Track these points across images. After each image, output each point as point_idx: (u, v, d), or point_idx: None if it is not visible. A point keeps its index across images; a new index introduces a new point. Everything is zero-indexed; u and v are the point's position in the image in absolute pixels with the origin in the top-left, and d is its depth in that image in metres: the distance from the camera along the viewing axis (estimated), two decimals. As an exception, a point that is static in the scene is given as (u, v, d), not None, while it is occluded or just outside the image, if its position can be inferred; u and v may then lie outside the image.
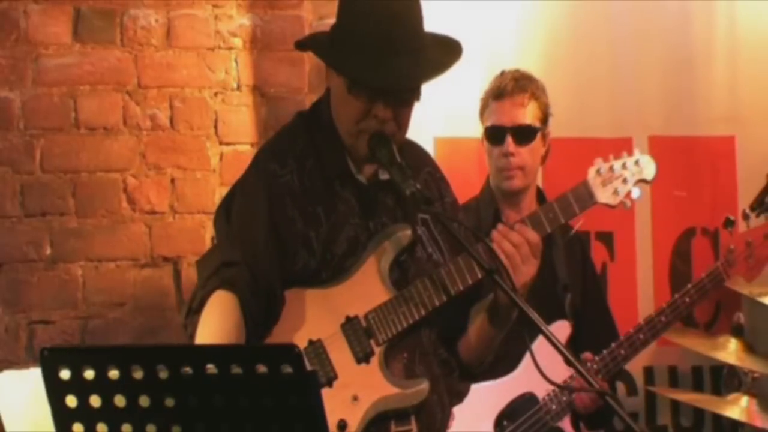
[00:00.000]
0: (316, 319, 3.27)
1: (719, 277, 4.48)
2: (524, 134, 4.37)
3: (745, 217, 4.53)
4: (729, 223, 4.50)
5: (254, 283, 3.23)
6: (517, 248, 3.21)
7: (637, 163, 3.41)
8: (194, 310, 3.25)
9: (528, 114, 4.38)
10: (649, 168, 3.43)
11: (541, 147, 4.42)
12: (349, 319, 3.26)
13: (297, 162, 3.31)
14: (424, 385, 3.26)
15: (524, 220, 3.31)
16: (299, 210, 3.28)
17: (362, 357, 3.25)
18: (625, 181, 3.39)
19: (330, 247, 3.27)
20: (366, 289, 3.27)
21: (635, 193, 3.41)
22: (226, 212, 3.35)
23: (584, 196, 3.37)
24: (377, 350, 3.25)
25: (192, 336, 3.25)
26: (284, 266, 3.26)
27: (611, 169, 3.39)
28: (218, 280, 3.22)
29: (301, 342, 3.23)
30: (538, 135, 4.40)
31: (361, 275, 3.28)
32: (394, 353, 3.28)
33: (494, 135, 4.38)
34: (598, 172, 3.38)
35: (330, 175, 3.31)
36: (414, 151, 3.47)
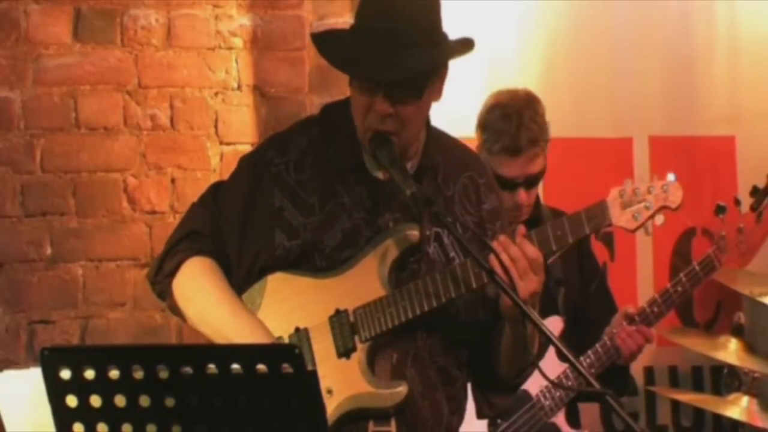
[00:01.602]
0: (308, 307, 3.27)
1: (711, 264, 4.45)
2: (534, 180, 4.32)
3: (737, 203, 4.50)
4: (720, 210, 4.48)
5: (221, 256, 3.35)
6: (514, 262, 3.15)
7: (664, 188, 3.30)
8: (168, 272, 3.34)
9: (539, 162, 4.30)
10: (674, 196, 3.29)
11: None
12: (338, 312, 3.26)
13: (298, 153, 3.33)
14: (401, 389, 3.22)
15: (530, 234, 3.24)
16: (290, 199, 3.30)
17: (343, 351, 3.24)
18: (647, 206, 3.28)
19: (321, 237, 3.28)
20: (362, 285, 3.26)
21: (659, 220, 3.31)
22: (217, 185, 3.47)
23: (598, 218, 3.26)
24: (360, 347, 3.24)
25: (161, 294, 3.38)
26: (262, 252, 3.31)
27: (635, 192, 3.27)
28: (195, 247, 3.34)
29: (288, 328, 3.25)
30: (543, 176, 4.37)
31: (360, 270, 3.28)
32: (383, 352, 3.26)
33: (504, 184, 4.22)
34: (620, 194, 3.29)
35: (339, 167, 3.32)
36: (459, 153, 3.45)
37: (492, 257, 3.15)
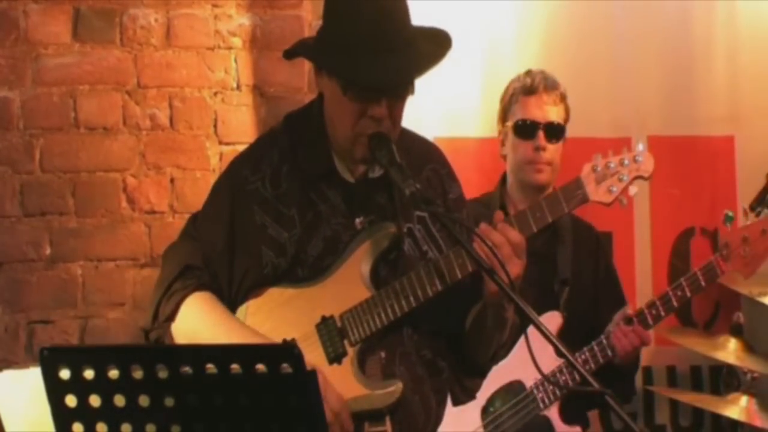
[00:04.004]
0: (293, 318, 3.26)
1: (713, 271, 4.43)
2: (555, 131, 4.48)
3: (746, 213, 4.50)
4: (728, 219, 4.47)
5: (216, 288, 3.32)
6: (497, 248, 3.15)
7: (635, 159, 3.36)
8: (165, 317, 3.29)
9: (558, 112, 4.50)
10: (646, 165, 3.35)
11: (561, 147, 4.48)
12: (324, 319, 3.25)
13: (272, 167, 3.32)
14: (395, 387, 3.23)
15: (509, 219, 3.26)
16: (271, 215, 3.29)
17: (334, 357, 3.24)
18: (621, 178, 3.33)
19: (304, 248, 3.27)
20: (345, 289, 3.26)
21: (632, 190, 3.35)
22: (195, 216, 3.44)
23: (575, 194, 3.31)
24: (350, 350, 3.24)
25: (159, 340, 3.30)
26: (249, 272, 3.29)
27: (607, 165, 3.33)
28: (191, 284, 3.29)
29: (275, 342, 3.22)
30: (565, 135, 4.51)
31: (341, 274, 3.27)
32: (372, 353, 3.27)
33: (525, 129, 4.47)
34: (593, 169, 3.33)
35: (312, 176, 3.31)
36: (419, 147, 3.46)
37: (477, 244, 3.16)
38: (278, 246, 3.27)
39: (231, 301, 3.32)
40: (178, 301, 3.29)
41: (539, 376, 4.22)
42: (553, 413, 4.33)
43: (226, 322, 3.27)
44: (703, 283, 4.42)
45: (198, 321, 3.28)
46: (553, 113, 4.48)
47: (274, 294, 3.28)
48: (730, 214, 4.47)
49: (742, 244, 4.41)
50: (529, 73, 4.55)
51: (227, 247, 3.31)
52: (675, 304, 4.42)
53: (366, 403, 3.22)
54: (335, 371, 3.23)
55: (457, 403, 3.98)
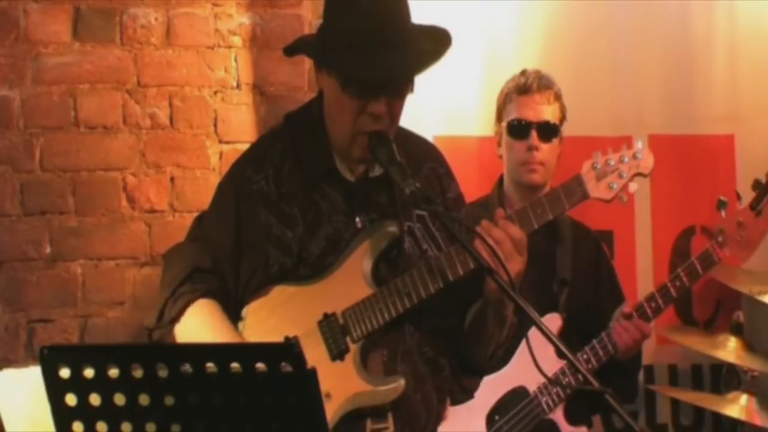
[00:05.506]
0: (295, 316, 3.27)
1: (710, 259, 4.44)
2: (548, 131, 4.47)
3: (738, 198, 4.49)
4: (722, 205, 4.47)
5: (225, 292, 3.33)
6: (499, 245, 3.16)
7: (635, 156, 3.38)
8: (170, 319, 3.30)
9: (552, 112, 4.49)
10: (646, 161, 3.38)
11: (558, 147, 4.48)
12: (326, 316, 3.26)
13: (274, 166, 3.34)
14: (398, 383, 3.25)
15: (511, 215, 3.27)
16: (275, 214, 3.31)
17: (337, 354, 3.25)
18: (621, 175, 3.35)
19: (307, 246, 3.28)
20: (347, 286, 3.27)
21: (632, 187, 3.36)
22: (200, 218, 3.46)
23: (575, 191, 3.33)
24: (353, 347, 3.25)
25: (161, 340, 3.32)
26: (257, 272, 3.30)
27: (607, 163, 3.35)
28: (199, 288, 3.30)
29: (277, 339, 3.22)
30: (559, 134, 4.48)
31: (343, 272, 3.28)
32: (374, 350, 3.28)
33: (518, 129, 4.47)
34: (593, 166, 3.35)
35: (313, 175, 3.32)
36: (418, 146, 3.47)
37: (477, 242, 3.16)
38: (284, 245, 3.29)
39: (238, 300, 3.32)
40: (184, 304, 3.30)
41: (542, 381, 4.24)
42: (558, 416, 4.33)
43: (229, 334, 3.27)
44: (700, 271, 4.43)
45: (202, 329, 3.29)
46: (546, 112, 4.47)
47: (276, 292, 3.29)
48: (724, 199, 4.47)
49: (737, 228, 4.40)
50: (524, 72, 4.55)
51: (234, 247, 3.32)
52: (674, 294, 4.43)
53: (368, 399, 3.23)
54: (338, 368, 3.23)
55: (455, 402, 3.98)
